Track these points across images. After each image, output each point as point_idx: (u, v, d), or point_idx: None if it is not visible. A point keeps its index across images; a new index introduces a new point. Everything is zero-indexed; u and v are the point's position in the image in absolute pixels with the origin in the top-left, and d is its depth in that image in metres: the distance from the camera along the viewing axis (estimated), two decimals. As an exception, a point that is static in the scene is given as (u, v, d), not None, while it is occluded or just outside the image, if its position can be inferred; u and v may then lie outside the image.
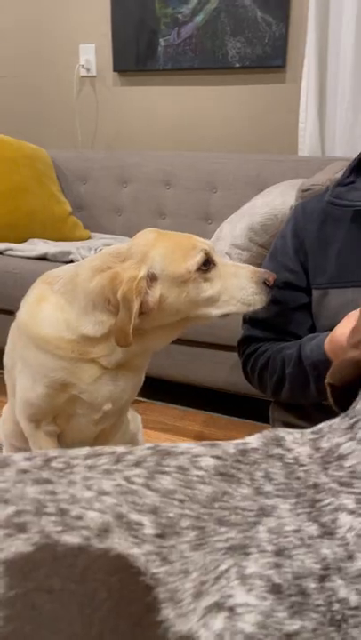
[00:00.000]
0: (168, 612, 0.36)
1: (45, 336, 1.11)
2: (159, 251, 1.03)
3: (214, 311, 1.06)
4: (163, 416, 2.09)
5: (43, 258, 2.23)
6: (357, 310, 0.81)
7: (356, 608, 0.38)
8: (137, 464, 0.45)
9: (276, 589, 0.37)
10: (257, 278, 1.05)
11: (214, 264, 1.05)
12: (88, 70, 2.84)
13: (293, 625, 0.37)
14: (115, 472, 0.43)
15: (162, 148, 2.77)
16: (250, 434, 1.78)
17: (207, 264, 1.04)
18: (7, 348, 1.28)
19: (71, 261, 2.22)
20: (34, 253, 2.25)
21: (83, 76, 2.88)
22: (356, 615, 0.38)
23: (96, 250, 2.26)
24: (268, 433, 0.49)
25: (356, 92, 2.30)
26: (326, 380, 0.56)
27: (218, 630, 0.36)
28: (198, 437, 1.97)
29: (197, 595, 0.37)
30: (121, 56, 2.75)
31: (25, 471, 0.43)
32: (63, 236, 2.55)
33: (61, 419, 1.19)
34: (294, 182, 2.09)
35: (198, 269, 1.03)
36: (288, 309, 1.11)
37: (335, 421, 0.49)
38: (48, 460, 0.45)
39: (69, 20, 2.82)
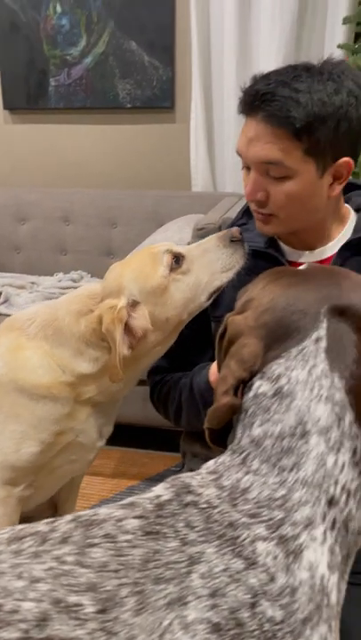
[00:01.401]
0: None
1: (43, 384, 1.07)
2: (129, 276, 1.04)
3: (203, 296, 1.07)
4: None
5: None
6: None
7: (281, 622, 0.44)
8: (63, 541, 0.45)
9: (216, 628, 0.41)
10: (224, 242, 1.05)
11: (182, 256, 1.06)
12: (-23, 108, 2.80)
13: None
14: (43, 554, 0.44)
15: (59, 185, 2.78)
16: (165, 466, 1.79)
17: (177, 260, 1.04)
18: None
19: (-29, 303, 2.15)
20: None
21: (-28, 114, 2.82)
22: (282, 628, 0.44)
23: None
24: (174, 482, 0.53)
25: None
26: (205, 425, 0.61)
27: None
28: (113, 475, 1.97)
29: None
30: (11, 94, 2.73)
31: None
32: None
33: (43, 475, 1.14)
34: (190, 218, 2.20)
35: (171, 269, 1.03)
36: (190, 339, 1.16)
37: (225, 459, 0.54)
38: None
39: None
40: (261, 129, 0.90)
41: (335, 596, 0.48)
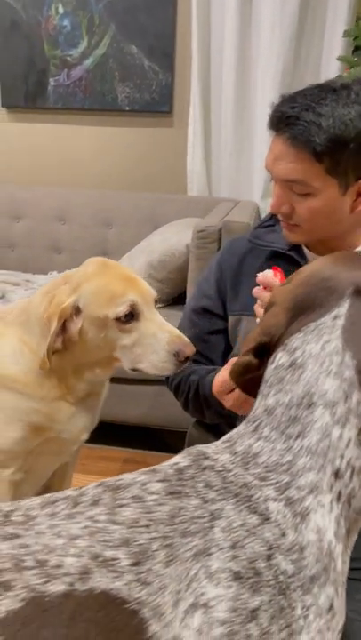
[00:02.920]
0: (154, 627, 0.41)
1: (12, 374, 1.07)
2: (90, 287, 1.04)
3: (127, 363, 1.08)
4: (83, 458, 2.06)
5: None
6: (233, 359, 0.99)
7: (292, 575, 0.48)
8: (94, 503, 0.49)
9: (237, 576, 0.45)
10: (171, 348, 1.04)
11: (138, 319, 1.05)
12: (-25, 104, 2.80)
13: (255, 601, 0.44)
14: (77, 515, 0.47)
15: (56, 185, 2.79)
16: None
17: (129, 317, 1.04)
18: None
19: (-35, 299, 2.14)
20: None
21: (-31, 110, 2.82)
22: (293, 582, 0.47)
23: (-8, 287, 2.21)
24: (191, 451, 0.56)
25: (237, 138, 2.52)
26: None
27: (197, 626, 0.42)
28: (107, 474, 1.97)
29: (176, 603, 0.42)
30: (9, 92, 2.74)
31: None
32: None
33: (31, 459, 1.15)
34: (187, 221, 2.23)
35: (117, 319, 1.03)
36: (204, 334, 1.22)
37: (240, 428, 0.58)
38: (6, 515, 0.47)
39: None
40: (286, 149, 0.95)
41: (340, 564, 0.51)
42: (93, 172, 2.78)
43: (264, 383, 0.58)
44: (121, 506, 0.48)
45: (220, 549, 0.46)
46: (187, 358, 1.06)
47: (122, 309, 1.03)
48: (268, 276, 0.96)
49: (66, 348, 1.05)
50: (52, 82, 2.69)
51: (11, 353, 1.09)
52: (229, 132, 2.51)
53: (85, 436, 1.18)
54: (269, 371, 0.58)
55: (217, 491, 0.50)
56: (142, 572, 0.43)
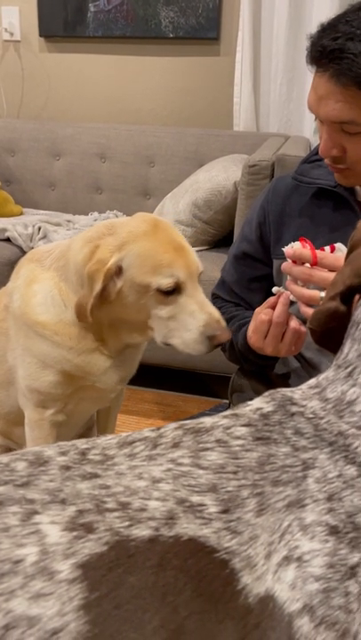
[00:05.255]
0: (246, 579, 0.38)
1: (43, 322, 1.05)
2: (136, 249, 0.98)
3: (159, 336, 1.03)
4: (124, 399, 2.08)
5: (-25, 235, 2.11)
6: (274, 297, 0.95)
7: None
8: (175, 445, 0.45)
9: (334, 530, 0.41)
10: (207, 330, 1.00)
11: (180, 293, 0.99)
12: (12, 34, 2.67)
13: (355, 557, 0.40)
14: (157, 457, 0.43)
15: (95, 120, 2.68)
16: (199, 409, 1.81)
17: (170, 292, 0.98)
18: None
19: (7, 239, 2.12)
20: (-35, 231, 2.12)
21: (6, 41, 2.70)
22: None
23: (33, 227, 2.17)
24: (274, 395, 0.52)
25: (289, 67, 2.34)
26: (308, 325, 0.62)
27: (290, 580, 0.39)
28: (148, 415, 1.98)
29: (268, 555, 0.39)
30: (47, 20, 2.60)
31: (67, 467, 0.41)
32: (-6, 212, 2.41)
33: (72, 403, 1.15)
34: (235, 157, 2.11)
35: (159, 290, 0.98)
36: (244, 279, 1.18)
37: (329, 374, 0.53)
38: (83, 453, 0.44)
39: (-12, -23, 2.63)
40: (331, 87, 0.86)
41: None
42: (134, 105, 2.66)
43: (355, 326, 0.53)
44: (205, 449, 0.44)
45: (315, 501, 0.42)
46: (220, 343, 1.01)
47: (166, 282, 0.97)
48: (297, 248, 0.88)
49: (102, 304, 1.01)
50: (91, 7, 2.53)
51: (43, 300, 1.06)
52: (281, 60, 2.33)
53: (121, 386, 1.16)
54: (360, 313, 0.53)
55: (308, 438, 0.46)
56: (232, 521, 0.40)
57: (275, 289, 0.97)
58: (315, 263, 0.86)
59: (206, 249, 2.07)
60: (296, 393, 0.51)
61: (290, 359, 1.15)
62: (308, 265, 0.86)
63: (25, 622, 0.32)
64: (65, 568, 0.34)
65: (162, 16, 2.47)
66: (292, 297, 0.92)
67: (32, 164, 2.60)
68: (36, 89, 2.75)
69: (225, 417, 0.49)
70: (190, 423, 0.48)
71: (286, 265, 0.89)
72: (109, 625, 0.33)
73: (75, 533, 0.36)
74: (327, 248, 0.89)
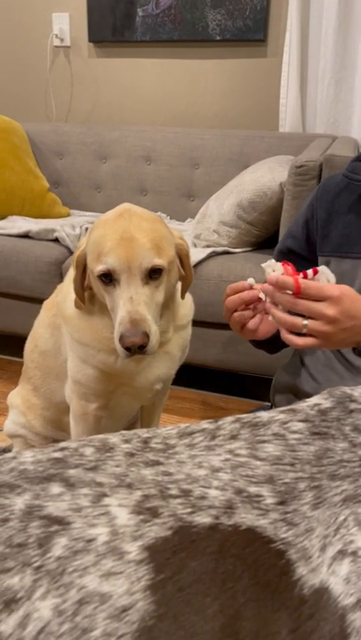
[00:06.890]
0: (301, 570, 0.39)
1: (68, 315, 1.10)
2: (93, 236, 0.99)
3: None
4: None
5: (25, 236, 2.17)
6: (246, 292, 0.95)
7: None
8: (233, 437, 0.46)
9: None
10: (118, 328, 0.95)
11: (117, 285, 0.97)
12: (62, 40, 2.74)
13: None
14: (216, 447, 0.44)
15: (141, 123, 2.72)
16: (240, 411, 1.81)
17: (108, 278, 0.97)
18: (37, 329, 1.27)
19: (55, 239, 2.17)
20: (15, 231, 2.19)
21: (56, 46, 2.77)
22: None
23: (80, 227, 2.22)
24: (332, 392, 0.52)
25: (337, 67, 2.31)
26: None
27: (345, 574, 0.39)
28: (189, 415, 1.99)
29: (323, 548, 0.40)
30: (97, 26, 2.66)
31: (131, 454, 0.43)
32: (42, 213, 2.48)
33: (114, 399, 1.18)
34: (281, 158, 2.10)
35: (99, 277, 0.97)
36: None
37: None
38: (145, 442, 0.45)
39: (40, -14, 2.71)
40: None
41: None
42: (179, 108, 2.68)
43: None
44: (262, 442, 0.45)
45: None
46: (135, 349, 0.94)
47: (98, 268, 0.96)
48: (280, 276, 0.85)
49: (92, 294, 1.07)
50: (140, 12, 2.57)
51: (69, 296, 1.10)
52: (329, 60, 2.30)
53: (159, 386, 1.16)
54: None
55: None
56: (288, 512, 0.41)
57: (271, 274, 0.89)
58: (298, 293, 0.84)
59: (250, 250, 2.07)
60: (356, 390, 0.51)
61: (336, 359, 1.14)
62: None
63: (97, 598, 0.34)
64: (133, 549, 0.36)
65: (209, 19, 2.49)
66: (270, 318, 0.90)
67: (79, 166, 2.65)
68: (84, 93, 2.82)
69: (282, 412, 0.49)
70: (247, 417, 0.49)
71: (269, 289, 0.87)
72: (173, 606, 0.34)
73: (141, 517, 0.37)
74: (310, 271, 0.87)
